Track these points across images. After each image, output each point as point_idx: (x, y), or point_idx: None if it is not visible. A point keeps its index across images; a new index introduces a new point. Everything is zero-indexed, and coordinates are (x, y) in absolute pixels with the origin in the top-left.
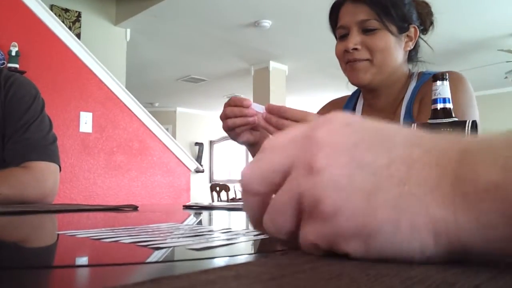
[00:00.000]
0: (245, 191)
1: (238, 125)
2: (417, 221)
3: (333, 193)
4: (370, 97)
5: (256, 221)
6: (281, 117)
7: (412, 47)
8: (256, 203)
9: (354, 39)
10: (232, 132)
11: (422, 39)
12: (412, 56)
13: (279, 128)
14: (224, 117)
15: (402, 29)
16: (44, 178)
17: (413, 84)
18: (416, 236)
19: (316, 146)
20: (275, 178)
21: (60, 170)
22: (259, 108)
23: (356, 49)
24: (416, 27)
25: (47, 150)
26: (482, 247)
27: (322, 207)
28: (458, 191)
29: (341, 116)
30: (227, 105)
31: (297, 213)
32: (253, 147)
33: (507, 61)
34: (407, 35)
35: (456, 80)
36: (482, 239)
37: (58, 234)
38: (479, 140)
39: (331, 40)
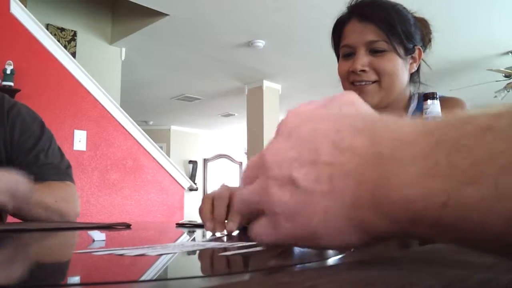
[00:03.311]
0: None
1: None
2: (342, 225)
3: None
4: None
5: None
6: None
7: (416, 69)
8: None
9: (361, 60)
10: None
11: (422, 59)
12: (414, 77)
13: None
14: None
15: (408, 50)
16: (76, 198)
17: (413, 105)
18: (342, 236)
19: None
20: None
21: None
22: None
23: (363, 70)
24: (420, 48)
25: (68, 172)
26: (393, 235)
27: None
28: (374, 201)
29: (289, 124)
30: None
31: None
32: None
33: (496, 81)
34: (412, 56)
35: (458, 107)
36: (392, 232)
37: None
38: (399, 141)
39: (323, 60)
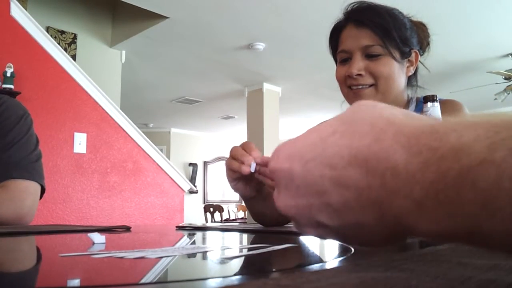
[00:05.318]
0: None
1: (234, 169)
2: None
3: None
4: None
5: None
6: None
7: (413, 72)
8: None
9: (357, 64)
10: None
11: (419, 61)
12: (411, 80)
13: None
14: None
15: (404, 54)
16: (22, 198)
17: (411, 109)
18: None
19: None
20: None
21: (44, 188)
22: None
23: (360, 75)
24: (417, 51)
25: (28, 168)
26: None
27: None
28: None
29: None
30: (229, 156)
31: None
32: (248, 201)
33: (496, 83)
34: (408, 60)
35: (457, 108)
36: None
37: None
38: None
39: (323, 63)
